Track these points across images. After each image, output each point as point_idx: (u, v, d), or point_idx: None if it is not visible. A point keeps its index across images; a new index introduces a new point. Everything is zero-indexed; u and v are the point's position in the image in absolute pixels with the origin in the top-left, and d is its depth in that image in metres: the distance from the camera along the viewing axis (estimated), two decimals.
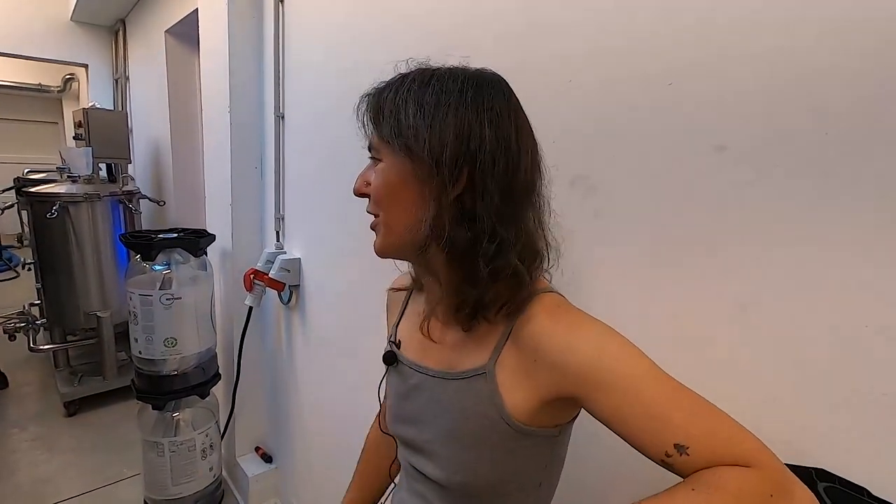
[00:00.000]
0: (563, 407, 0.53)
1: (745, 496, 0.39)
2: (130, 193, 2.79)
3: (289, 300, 1.78)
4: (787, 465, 0.42)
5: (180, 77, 2.97)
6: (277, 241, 1.81)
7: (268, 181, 1.84)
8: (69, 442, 2.35)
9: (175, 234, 1.81)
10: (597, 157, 0.79)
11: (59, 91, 7.00)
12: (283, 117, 1.71)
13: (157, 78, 3.11)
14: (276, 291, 1.74)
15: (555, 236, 0.58)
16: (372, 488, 0.85)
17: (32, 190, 2.56)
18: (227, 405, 1.96)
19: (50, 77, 6.76)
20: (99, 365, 2.71)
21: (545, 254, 0.56)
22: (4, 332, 2.79)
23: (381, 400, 0.76)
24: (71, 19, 3.96)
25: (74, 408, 2.56)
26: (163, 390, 1.77)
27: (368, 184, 0.55)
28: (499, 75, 0.55)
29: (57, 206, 2.42)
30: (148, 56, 3.29)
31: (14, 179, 3.52)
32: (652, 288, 0.73)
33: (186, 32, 2.83)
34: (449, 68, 0.54)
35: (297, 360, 1.80)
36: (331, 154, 1.48)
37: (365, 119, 0.55)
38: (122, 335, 2.82)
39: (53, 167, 3.43)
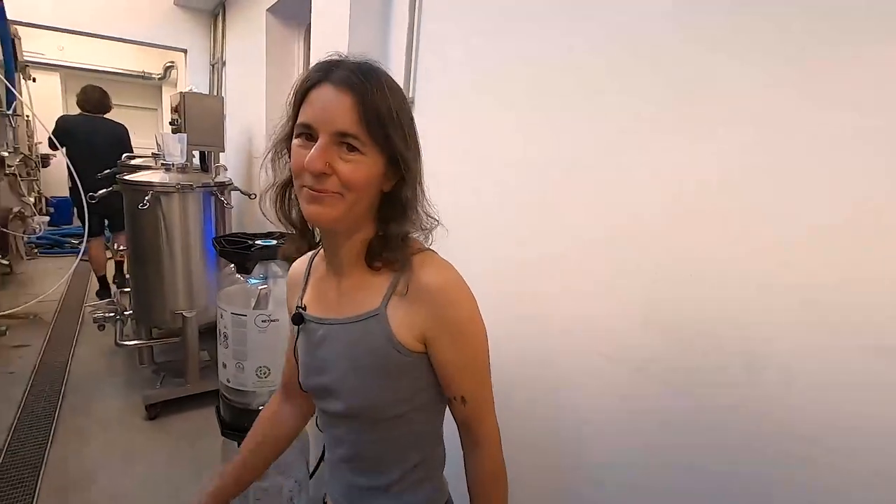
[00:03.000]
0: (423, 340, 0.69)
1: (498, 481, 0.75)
2: (223, 185, 2.60)
3: None
4: None
5: (279, 58, 2.76)
6: None
7: None
8: (148, 449, 2.19)
9: (274, 241, 1.53)
10: None
11: (159, 78, 7.27)
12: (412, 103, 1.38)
13: (254, 60, 2.92)
14: None
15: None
16: (256, 463, 0.90)
17: (127, 178, 2.43)
18: (318, 444, 1.67)
19: (152, 64, 7.03)
20: (181, 365, 2.55)
21: (429, 226, 0.72)
22: (94, 321, 2.73)
23: (296, 360, 0.81)
24: (174, 3, 3.91)
25: (155, 411, 2.41)
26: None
27: (328, 164, 0.60)
28: None
29: (149, 196, 2.26)
30: (246, 37, 3.12)
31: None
32: None
33: (290, 11, 2.60)
34: (392, 78, 0.64)
35: None
36: (466, 154, 1.14)
37: (360, 111, 0.59)
38: (205, 334, 2.66)
39: (150, 153, 3.38)
